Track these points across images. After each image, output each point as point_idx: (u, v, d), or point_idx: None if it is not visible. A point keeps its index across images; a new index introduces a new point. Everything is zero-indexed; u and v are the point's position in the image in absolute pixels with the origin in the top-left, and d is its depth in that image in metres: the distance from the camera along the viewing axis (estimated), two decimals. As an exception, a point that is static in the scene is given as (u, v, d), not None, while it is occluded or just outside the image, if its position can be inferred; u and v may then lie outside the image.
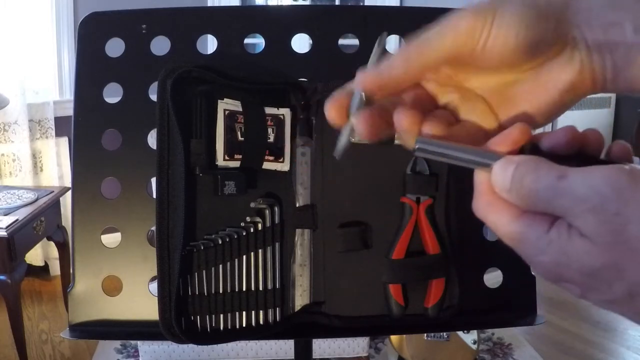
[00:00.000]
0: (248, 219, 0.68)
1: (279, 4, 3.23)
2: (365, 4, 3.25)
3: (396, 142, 0.78)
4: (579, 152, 0.33)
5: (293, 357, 0.80)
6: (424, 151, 0.34)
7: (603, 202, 0.28)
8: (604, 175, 0.28)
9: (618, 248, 0.28)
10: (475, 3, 0.34)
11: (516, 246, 0.32)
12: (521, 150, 0.34)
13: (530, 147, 0.34)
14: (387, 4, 3.03)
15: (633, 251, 0.28)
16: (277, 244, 0.70)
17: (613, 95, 3.78)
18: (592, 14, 0.33)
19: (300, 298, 0.71)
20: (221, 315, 0.67)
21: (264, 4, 3.49)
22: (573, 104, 0.37)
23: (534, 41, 0.33)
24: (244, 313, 0.68)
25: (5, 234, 1.93)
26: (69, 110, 0.90)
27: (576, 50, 0.34)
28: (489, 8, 0.33)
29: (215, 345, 1.46)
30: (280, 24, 0.74)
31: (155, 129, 0.64)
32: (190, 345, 0.83)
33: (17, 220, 2.02)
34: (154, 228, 0.64)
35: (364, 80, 0.35)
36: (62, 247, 2.47)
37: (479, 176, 0.34)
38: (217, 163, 0.66)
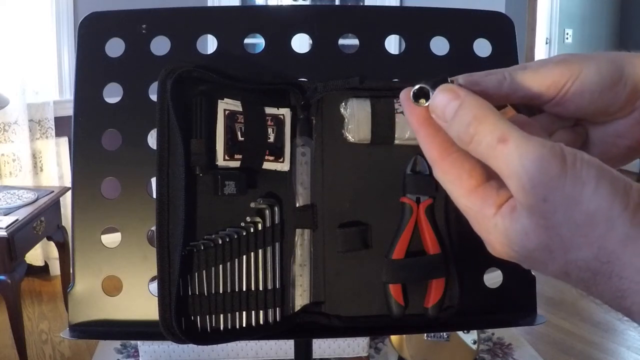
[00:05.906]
0: (248, 219, 0.68)
1: (279, 4, 3.23)
2: (365, 4, 3.25)
3: (396, 142, 0.79)
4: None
5: (293, 357, 0.80)
6: None
7: (532, 185, 0.29)
8: (538, 158, 0.29)
9: (548, 233, 0.30)
10: (566, 55, 0.37)
11: (468, 219, 0.34)
12: None
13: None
14: (387, 4, 3.03)
15: (561, 236, 0.30)
16: (277, 244, 0.70)
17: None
18: None
19: (300, 298, 0.71)
20: (221, 316, 0.67)
21: (264, 4, 3.49)
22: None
23: (608, 101, 0.36)
24: (244, 313, 0.68)
25: (5, 234, 1.93)
26: (69, 110, 0.90)
27: None
28: (577, 63, 0.36)
29: (215, 345, 1.46)
30: (280, 24, 0.73)
31: (155, 129, 0.64)
32: (190, 345, 0.83)
33: (17, 220, 2.02)
34: (154, 228, 0.64)
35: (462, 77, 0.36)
36: (62, 247, 2.47)
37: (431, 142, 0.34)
38: (217, 163, 0.66)
